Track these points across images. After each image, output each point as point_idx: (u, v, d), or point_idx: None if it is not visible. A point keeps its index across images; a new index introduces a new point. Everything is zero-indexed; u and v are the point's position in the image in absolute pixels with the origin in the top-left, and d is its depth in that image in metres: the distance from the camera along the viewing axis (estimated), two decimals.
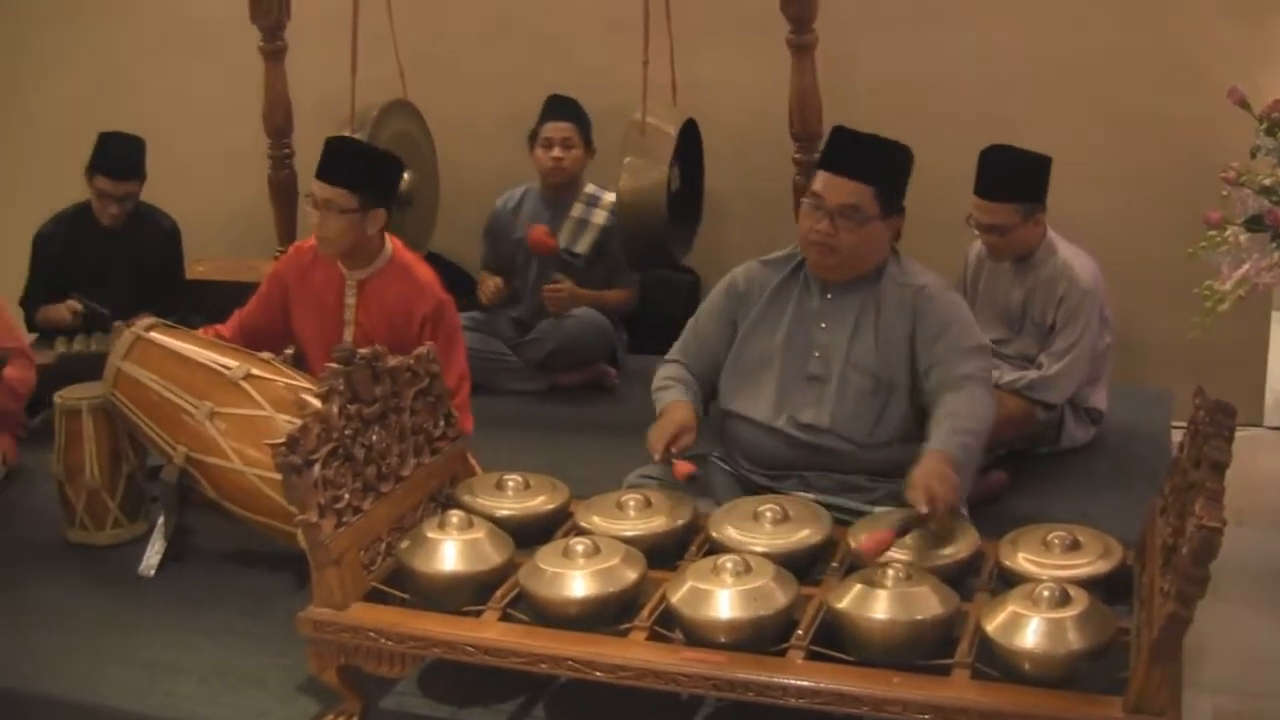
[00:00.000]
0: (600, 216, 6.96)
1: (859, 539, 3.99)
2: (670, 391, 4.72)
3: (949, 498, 3.98)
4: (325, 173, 5.35)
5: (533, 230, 6.89)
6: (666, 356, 4.91)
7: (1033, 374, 5.56)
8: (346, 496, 4.00)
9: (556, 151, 6.91)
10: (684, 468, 4.34)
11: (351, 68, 6.91)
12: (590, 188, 7.04)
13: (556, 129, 6.92)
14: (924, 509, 3.92)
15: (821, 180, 4.60)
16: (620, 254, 6.86)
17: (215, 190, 8.12)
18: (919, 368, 4.55)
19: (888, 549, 3.90)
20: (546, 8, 7.73)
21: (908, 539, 3.96)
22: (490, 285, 6.99)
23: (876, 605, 3.60)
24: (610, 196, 6.91)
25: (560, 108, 6.97)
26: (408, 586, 4.00)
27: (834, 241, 4.52)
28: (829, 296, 4.67)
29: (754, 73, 6.89)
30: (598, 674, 3.61)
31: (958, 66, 7.02)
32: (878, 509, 4.32)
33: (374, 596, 3.99)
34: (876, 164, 4.59)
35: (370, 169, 5.44)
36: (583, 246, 6.97)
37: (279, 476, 4.11)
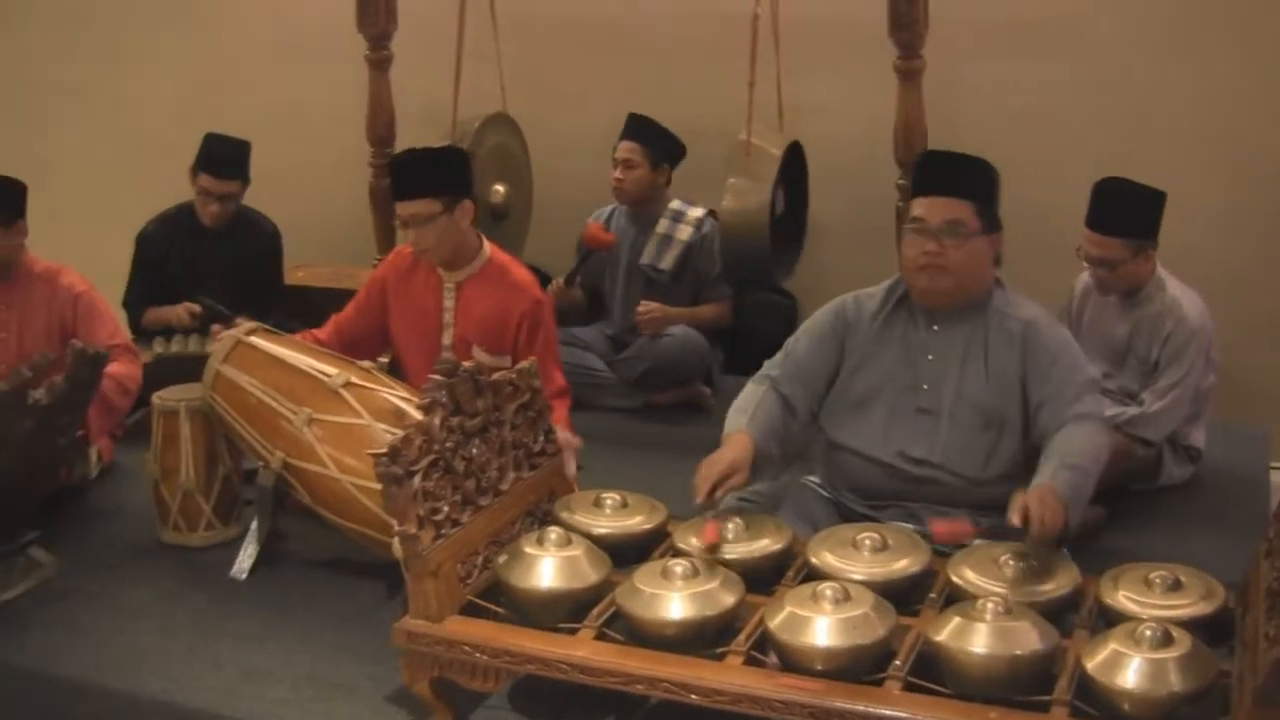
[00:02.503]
0: (685, 232, 6.95)
1: (938, 524, 4.00)
2: (742, 418, 4.60)
3: (1046, 520, 3.92)
4: (400, 192, 5.44)
5: (588, 227, 6.91)
6: (760, 371, 4.85)
7: (1134, 410, 5.50)
8: (445, 509, 4.00)
9: (618, 172, 6.96)
10: (711, 533, 4.18)
11: (455, 79, 6.94)
12: (675, 203, 7.03)
13: (621, 149, 6.98)
14: (1015, 520, 3.89)
15: (921, 205, 4.58)
16: (708, 269, 6.89)
17: (316, 197, 8.14)
18: (1030, 405, 4.50)
19: (962, 540, 3.96)
20: (652, 27, 7.72)
21: (1008, 572, 3.91)
22: (562, 292, 7.03)
23: (976, 639, 3.55)
24: (695, 212, 6.92)
25: (628, 127, 7.01)
26: (503, 601, 3.99)
27: (943, 260, 4.49)
28: (935, 328, 4.63)
29: (860, 97, 6.85)
30: (693, 697, 3.58)
31: (1068, 98, 6.95)
32: (977, 541, 4.27)
33: (469, 610, 3.98)
34: (970, 180, 4.59)
35: (437, 169, 5.47)
36: (667, 262, 6.95)
37: (375, 485, 4.12)
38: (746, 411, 4.62)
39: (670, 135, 6.94)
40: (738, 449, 4.42)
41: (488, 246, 5.59)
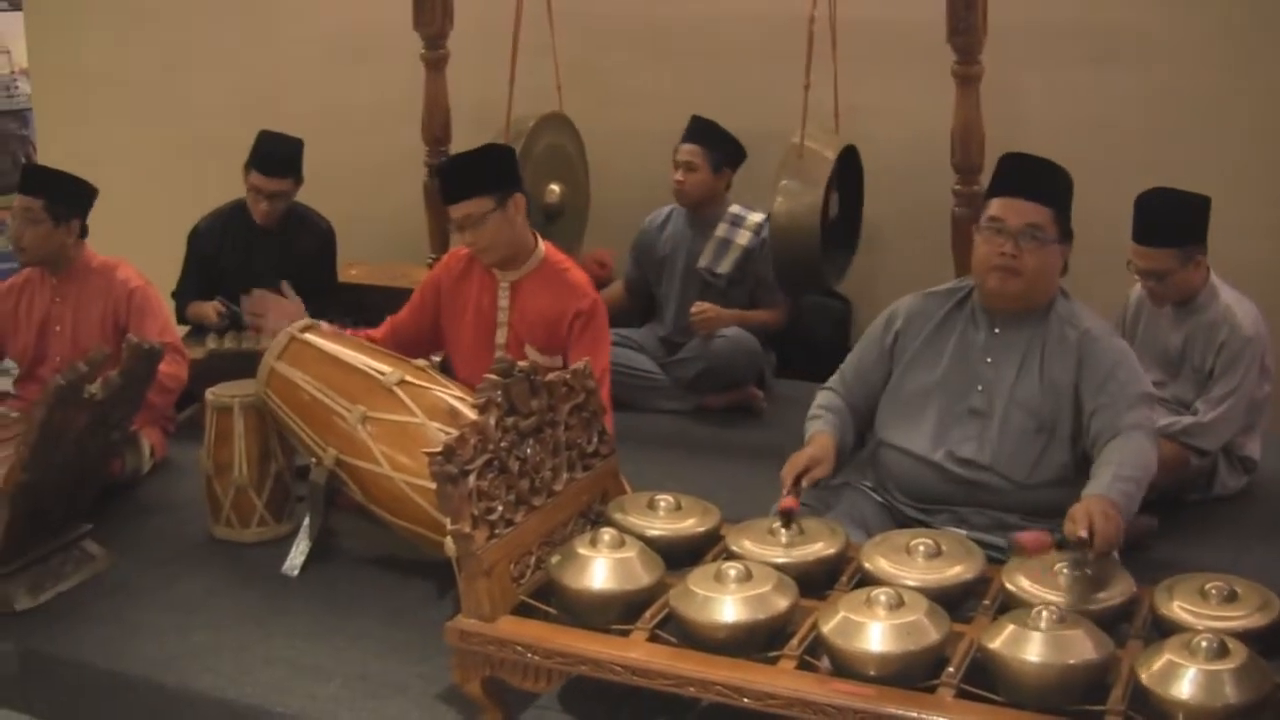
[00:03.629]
0: (744, 237, 6.94)
1: (1020, 535, 3.97)
2: (818, 421, 4.74)
3: (1109, 534, 3.91)
4: (450, 195, 5.42)
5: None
6: (824, 385, 4.92)
7: (1188, 420, 5.46)
8: (499, 508, 4.00)
9: (679, 174, 6.94)
10: (787, 503, 4.30)
11: (510, 78, 6.95)
12: (735, 208, 7.02)
13: (682, 151, 6.96)
14: (1083, 533, 3.86)
15: (1000, 205, 4.56)
16: (765, 274, 6.86)
17: (371, 195, 8.16)
18: (1083, 413, 4.49)
19: (1045, 551, 3.90)
20: (708, 28, 7.70)
21: (1062, 580, 3.90)
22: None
23: (1030, 647, 3.53)
24: (755, 217, 6.91)
25: (690, 130, 6.99)
26: (556, 602, 3.99)
27: (1018, 264, 4.48)
28: (996, 331, 4.62)
29: (917, 101, 6.81)
30: (746, 700, 3.57)
31: (1128, 105, 6.90)
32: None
33: (521, 610, 3.97)
34: (1052, 186, 4.59)
35: (483, 166, 5.45)
36: (725, 267, 6.94)
37: (429, 484, 4.12)
38: (821, 416, 4.76)
39: (732, 139, 6.93)
40: (819, 444, 4.58)
41: (542, 245, 5.58)
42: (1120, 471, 4.19)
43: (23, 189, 6.01)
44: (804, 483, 4.41)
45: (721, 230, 6.98)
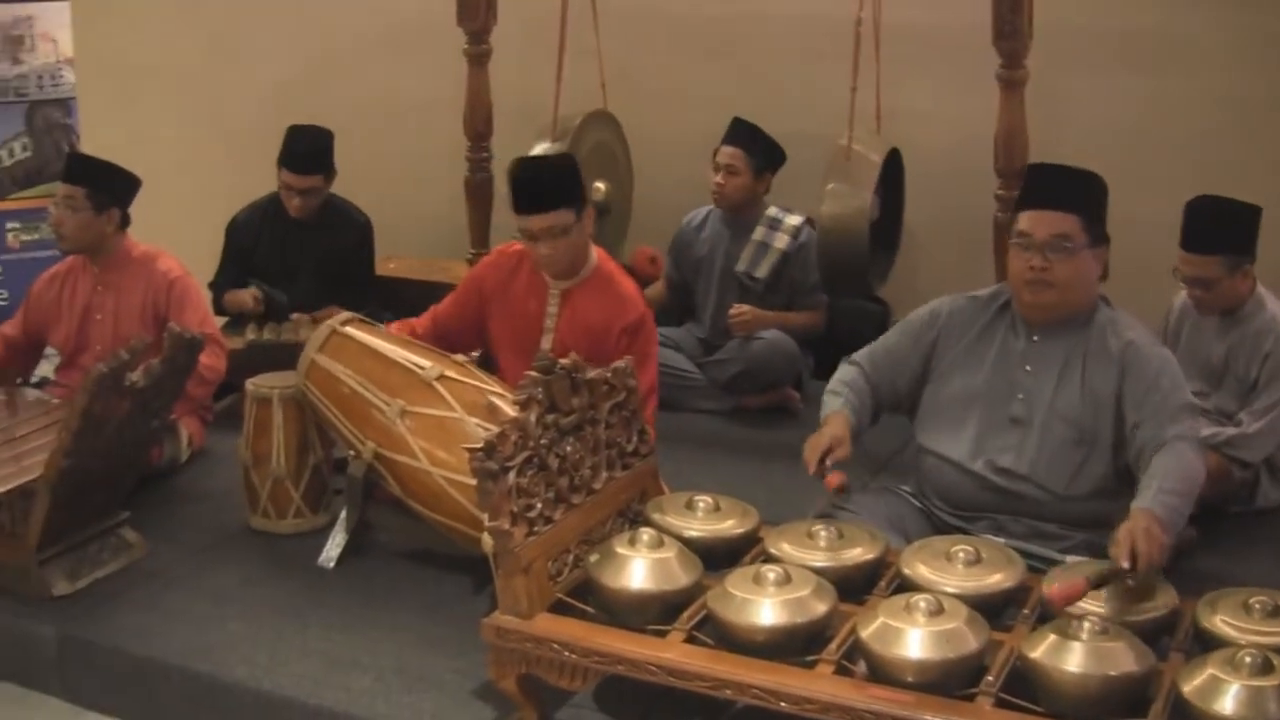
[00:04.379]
0: (782, 241, 6.91)
1: (1051, 586, 3.91)
2: (837, 399, 4.75)
3: (1153, 555, 3.89)
4: (533, 205, 5.32)
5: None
6: (850, 357, 4.92)
7: (1231, 431, 5.42)
8: (539, 506, 4.00)
9: (719, 177, 6.93)
10: (835, 480, 4.35)
11: (556, 76, 6.95)
12: (773, 210, 7.00)
13: (723, 154, 6.94)
14: (1125, 564, 3.84)
15: (1027, 219, 4.55)
16: (803, 278, 6.87)
17: (410, 189, 8.16)
18: (1125, 424, 4.47)
19: (1078, 599, 3.82)
20: (754, 30, 7.69)
21: (1103, 591, 3.88)
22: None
23: (1070, 657, 3.52)
24: (792, 220, 6.90)
25: (732, 132, 6.98)
26: (594, 600, 3.99)
27: (1049, 276, 4.47)
28: (1035, 339, 4.60)
29: (961, 105, 6.79)
30: (783, 704, 3.57)
31: (1174, 111, 6.85)
32: (1070, 558, 4.24)
33: (558, 608, 3.97)
34: (1078, 193, 4.56)
35: (567, 178, 5.43)
36: (763, 271, 6.92)
37: (467, 479, 4.14)
38: (840, 393, 4.77)
39: (773, 142, 6.91)
40: (838, 425, 4.58)
41: (595, 254, 5.57)
42: (1165, 484, 4.16)
43: (66, 177, 6.05)
44: (828, 462, 4.42)
45: (759, 233, 6.96)
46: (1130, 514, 4.06)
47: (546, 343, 5.44)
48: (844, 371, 4.88)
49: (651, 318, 5.55)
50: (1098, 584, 3.87)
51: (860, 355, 4.92)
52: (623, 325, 5.41)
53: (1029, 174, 4.78)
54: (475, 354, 5.64)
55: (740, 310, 6.77)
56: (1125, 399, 4.47)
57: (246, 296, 7.04)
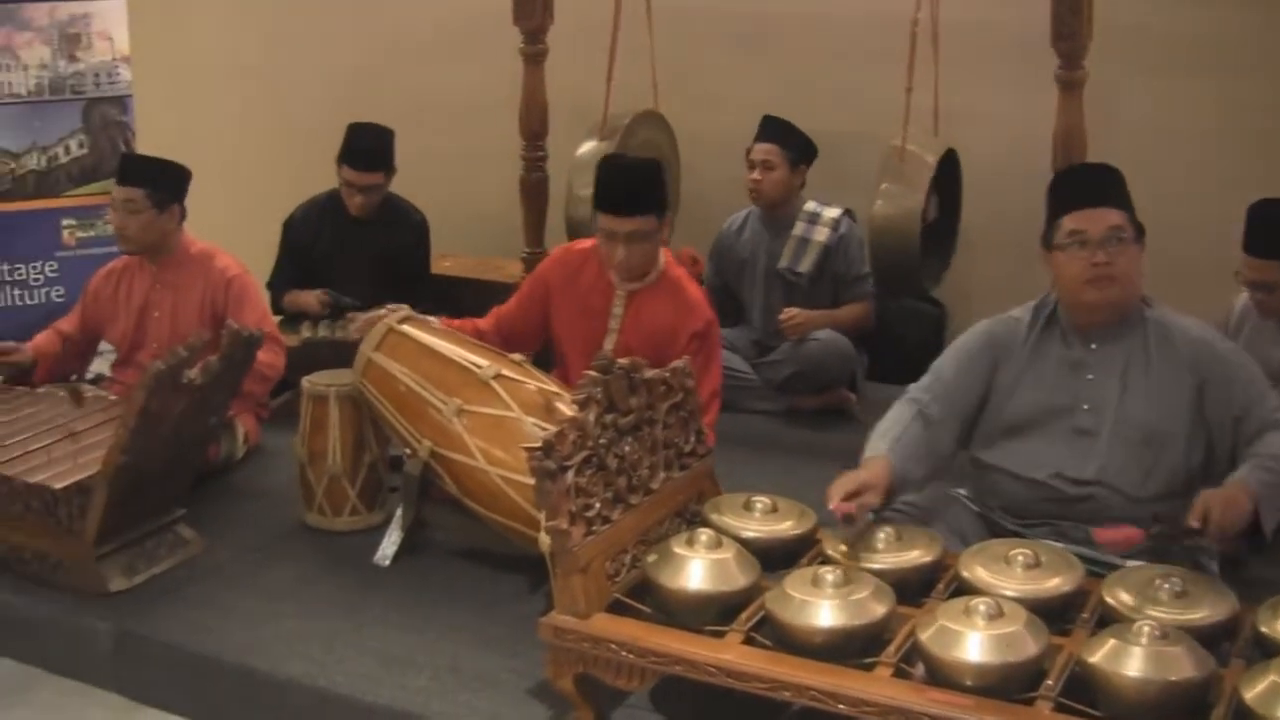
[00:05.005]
0: (822, 234, 6.90)
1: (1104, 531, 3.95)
2: (882, 442, 4.56)
3: (1228, 521, 3.94)
4: (623, 207, 5.35)
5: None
6: (907, 395, 4.77)
7: None
8: (597, 505, 4.00)
9: (756, 173, 6.92)
10: (846, 507, 4.20)
11: (608, 76, 6.96)
12: (811, 205, 6.99)
13: (758, 150, 6.94)
14: (1194, 524, 3.89)
15: (1076, 219, 4.49)
16: (846, 270, 6.87)
17: (465, 187, 8.16)
18: (1210, 423, 4.45)
19: (1130, 545, 3.94)
20: (806, 31, 7.66)
21: (1163, 595, 3.83)
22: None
23: (1130, 662, 3.49)
24: (831, 213, 6.90)
25: (765, 129, 6.98)
26: (651, 601, 3.98)
27: (1112, 270, 4.42)
28: (1093, 346, 4.56)
29: (1018, 106, 6.76)
30: (841, 707, 3.55)
31: (1231, 115, 6.80)
32: (1130, 563, 4.21)
33: (616, 608, 3.97)
34: (1117, 188, 4.55)
35: (657, 184, 5.48)
36: (805, 265, 6.90)
37: (523, 478, 4.14)
38: (888, 435, 4.58)
39: (805, 136, 6.92)
40: (874, 471, 4.39)
41: (663, 258, 5.58)
42: (1265, 462, 4.20)
43: (123, 180, 6.07)
44: (850, 505, 4.24)
45: (799, 229, 6.95)
46: (1223, 487, 4.09)
47: (609, 343, 5.44)
48: (898, 412, 4.70)
49: (718, 324, 5.56)
50: (1158, 538, 3.89)
51: (916, 390, 4.75)
52: (691, 331, 5.43)
53: (1062, 178, 4.76)
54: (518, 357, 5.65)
55: (790, 314, 6.76)
56: (1210, 397, 4.45)
57: (312, 299, 7.05)
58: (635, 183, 5.40)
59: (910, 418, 4.65)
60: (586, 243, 5.72)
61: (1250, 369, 4.51)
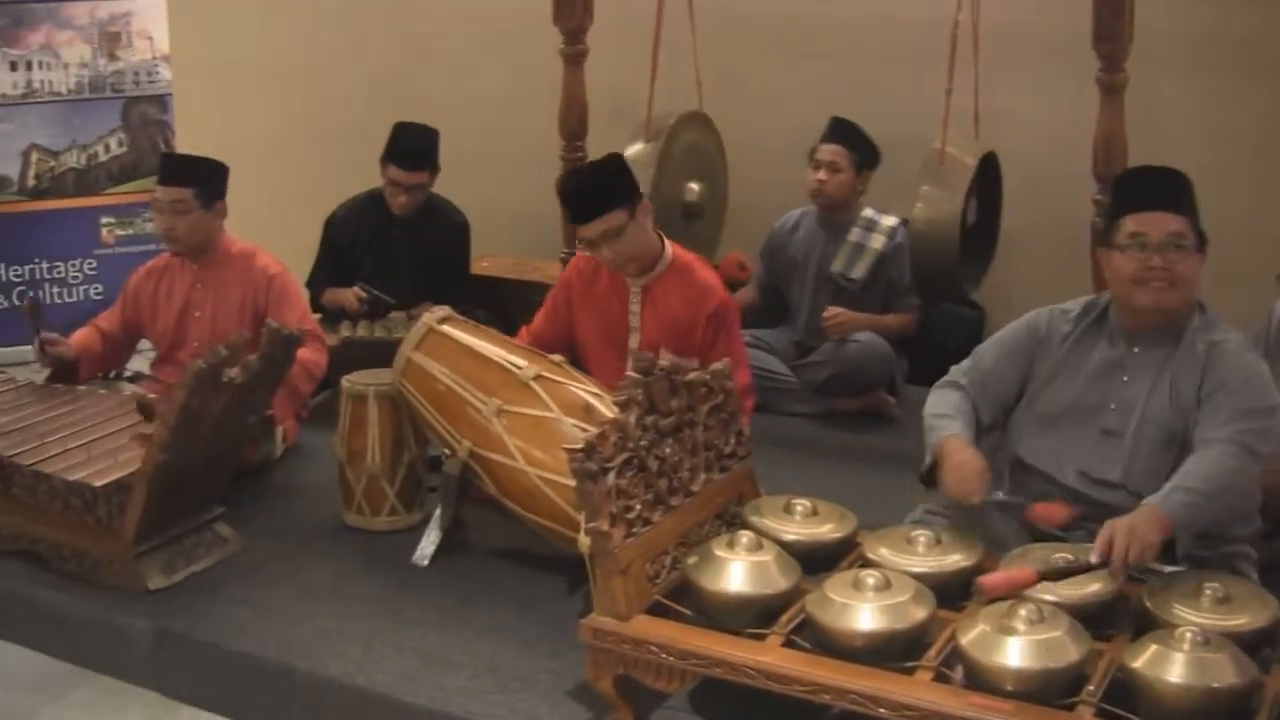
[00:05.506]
0: (878, 241, 6.86)
1: (992, 574, 3.92)
2: (954, 423, 4.57)
3: (1133, 553, 3.92)
4: (582, 217, 5.47)
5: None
6: (947, 378, 4.80)
7: None
8: (638, 507, 4.00)
9: (821, 174, 6.86)
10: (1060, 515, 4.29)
11: (651, 76, 6.95)
12: (868, 211, 6.95)
13: (825, 151, 6.88)
14: (1094, 559, 3.90)
15: (1137, 220, 4.43)
16: (898, 279, 6.83)
17: (503, 187, 8.16)
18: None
19: (1017, 590, 3.84)
20: (849, 31, 7.64)
21: (1203, 601, 3.82)
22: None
23: (1172, 669, 3.48)
24: (888, 221, 6.85)
25: (833, 130, 6.92)
26: (691, 603, 3.98)
27: (1170, 275, 4.37)
28: (1135, 350, 4.53)
29: (1059, 109, 6.74)
30: (882, 711, 3.54)
31: (1271, 119, 6.75)
32: (1168, 569, 4.18)
33: (655, 610, 3.96)
34: (1185, 195, 4.50)
35: (609, 182, 5.51)
36: (859, 271, 6.87)
37: (562, 479, 4.14)
38: (951, 416, 4.61)
39: (872, 141, 6.88)
40: (973, 454, 4.44)
41: (669, 248, 5.61)
42: (1180, 483, 4.15)
43: (169, 181, 6.07)
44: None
45: (855, 234, 6.91)
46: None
47: (634, 342, 5.51)
48: (948, 395, 4.74)
49: (734, 305, 5.63)
50: (1054, 576, 3.89)
51: (959, 375, 4.79)
52: (707, 314, 5.48)
53: (1130, 177, 4.71)
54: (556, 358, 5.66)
55: (834, 312, 6.74)
56: (1201, 398, 4.41)
57: (349, 295, 7.08)
58: (586, 188, 5.52)
59: (960, 397, 4.71)
60: None
61: (1237, 384, 4.38)
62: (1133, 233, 4.43)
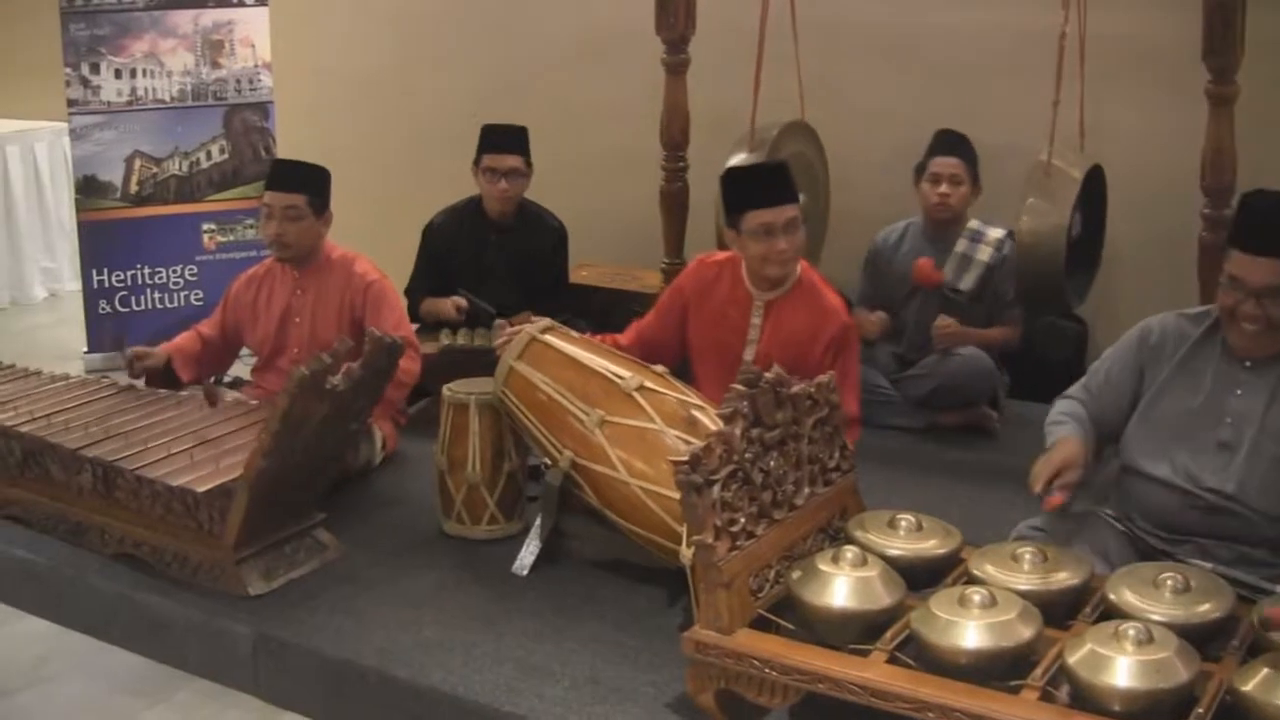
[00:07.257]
0: (985, 253, 6.80)
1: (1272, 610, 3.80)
2: (1064, 427, 4.60)
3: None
4: (777, 198, 5.42)
5: (920, 261, 6.78)
6: (1066, 393, 4.80)
7: None
8: (742, 520, 3.96)
9: (944, 187, 6.79)
10: (1055, 500, 4.28)
11: (754, 86, 6.92)
12: (974, 223, 6.89)
13: (945, 164, 6.80)
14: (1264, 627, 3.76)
15: (1238, 262, 4.33)
16: (1005, 291, 6.77)
17: (604, 197, 8.18)
18: None
19: None
20: (952, 42, 7.61)
21: None
22: (874, 321, 6.87)
23: None
24: (995, 233, 6.79)
25: (950, 143, 6.85)
26: (795, 617, 3.94)
27: (1270, 321, 4.31)
28: (1248, 365, 4.47)
29: (1166, 121, 6.69)
30: None
31: None
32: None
33: (758, 624, 3.93)
34: None
35: (791, 176, 5.51)
36: (967, 283, 6.81)
37: (665, 491, 4.11)
38: (1066, 422, 4.62)
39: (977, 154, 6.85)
40: (1071, 447, 4.45)
41: (800, 265, 5.58)
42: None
43: (282, 186, 6.11)
44: (1055, 484, 4.33)
45: (961, 246, 6.85)
46: None
47: (749, 354, 5.46)
48: (1063, 405, 4.75)
49: (856, 329, 5.53)
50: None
51: (1076, 390, 4.79)
52: (829, 337, 5.43)
53: (1245, 208, 4.51)
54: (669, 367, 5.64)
55: (947, 322, 6.69)
56: None
57: (448, 305, 7.08)
58: (777, 175, 5.50)
59: (1075, 406, 4.71)
60: (721, 255, 5.74)
61: None
62: (1231, 275, 4.34)
